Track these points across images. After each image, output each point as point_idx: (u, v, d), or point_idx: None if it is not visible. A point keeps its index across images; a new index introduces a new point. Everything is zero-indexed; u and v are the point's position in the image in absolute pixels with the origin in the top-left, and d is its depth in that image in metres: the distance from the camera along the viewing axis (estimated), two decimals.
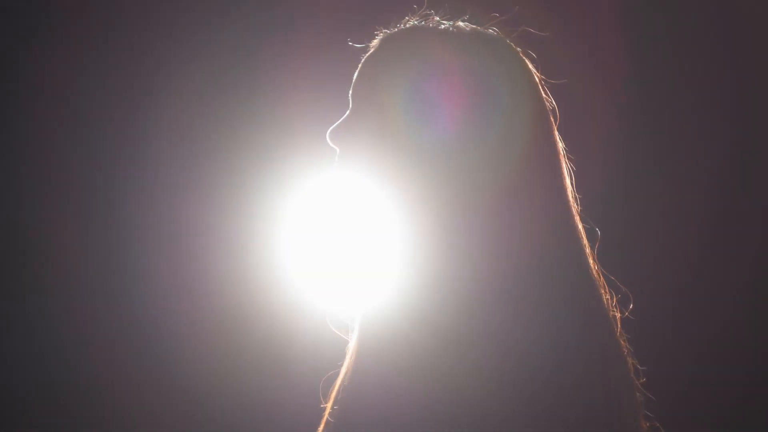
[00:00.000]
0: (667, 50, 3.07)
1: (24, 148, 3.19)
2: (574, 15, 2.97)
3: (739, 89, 3.05)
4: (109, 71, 3.18)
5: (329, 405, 1.47)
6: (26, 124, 3.18)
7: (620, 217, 2.98)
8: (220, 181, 3.18)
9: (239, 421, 3.14)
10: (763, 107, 3.05)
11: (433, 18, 1.56)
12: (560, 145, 1.52)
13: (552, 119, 1.52)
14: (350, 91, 1.56)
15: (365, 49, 1.57)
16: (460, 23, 1.53)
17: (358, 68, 1.56)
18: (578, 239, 1.49)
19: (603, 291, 1.49)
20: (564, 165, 1.51)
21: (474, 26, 1.54)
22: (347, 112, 1.56)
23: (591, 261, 1.49)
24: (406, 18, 1.58)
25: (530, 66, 1.54)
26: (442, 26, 1.53)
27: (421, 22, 1.56)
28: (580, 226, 1.50)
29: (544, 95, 1.53)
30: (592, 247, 1.51)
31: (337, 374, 1.50)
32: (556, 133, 1.52)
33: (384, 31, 1.57)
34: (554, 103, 1.53)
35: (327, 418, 1.47)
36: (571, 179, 1.52)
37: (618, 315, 1.50)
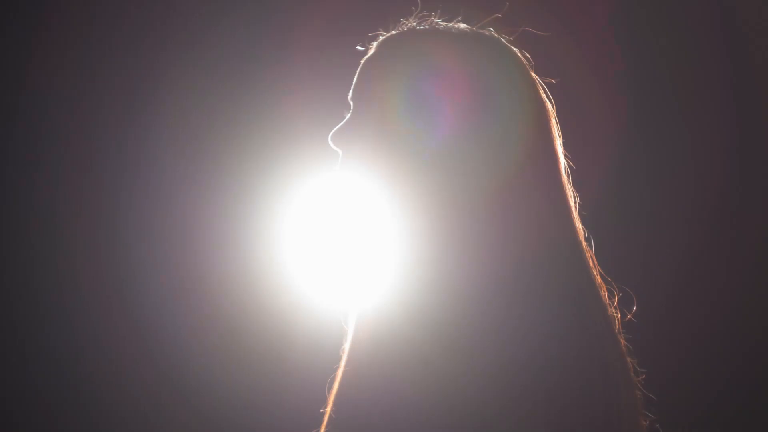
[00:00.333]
0: (664, 49, 3.07)
1: (24, 147, 3.19)
2: (570, 14, 2.98)
3: (736, 89, 3.06)
4: (109, 71, 3.18)
5: (328, 406, 1.47)
6: (26, 124, 3.18)
7: (618, 217, 2.98)
8: (222, 182, 3.18)
9: (239, 421, 3.14)
10: (761, 107, 3.05)
11: (430, 19, 1.56)
12: (559, 144, 1.53)
13: (550, 119, 1.53)
14: (350, 94, 1.57)
15: (365, 52, 1.58)
16: (459, 24, 1.54)
17: (358, 71, 1.57)
18: (577, 239, 1.49)
19: (602, 291, 1.49)
20: (562, 165, 1.52)
21: (471, 27, 1.54)
22: (348, 115, 1.56)
23: (590, 261, 1.50)
24: (404, 20, 1.58)
25: (527, 66, 1.54)
26: (440, 27, 1.54)
27: (419, 23, 1.56)
28: (579, 226, 1.51)
29: (542, 95, 1.53)
30: (589, 249, 1.51)
31: (335, 375, 1.50)
32: (555, 133, 1.53)
33: (382, 33, 1.58)
34: (553, 102, 1.54)
35: (327, 419, 1.47)
36: (569, 178, 1.52)
37: (618, 315, 1.50)
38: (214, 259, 3.17)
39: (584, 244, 1.50)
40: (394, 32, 1.57)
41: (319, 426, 1.48)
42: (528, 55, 1.54)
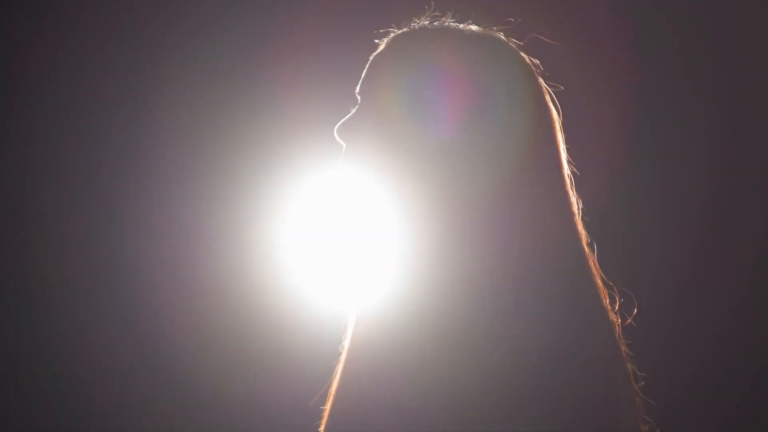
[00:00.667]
0: (672, 57, 3.07)
1: (23, 148, 3.18)
2: (577, 21, 2.98)
3: (743, 101, 3.06)
4: (108, 70, 3.18)
5: (327, 404, 1.47)
6: (26, 124, 3.18)
7: (621, 222, 2.98)
8: (221, 179, 3.18)
9: (239, 420, 3.14)
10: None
11: (443, 20, 1.57)
12: (563, 149, 1.53)
13: (554, 124, 1.53)
14: (358, 88, 1.58)
15: (375, 47, 1.59)
16: (470, 26, 1.55)
17: (367, 66, 1.58)
18: (579, 244, 1.50)
19: (603, 295, 1.49)
20: (565, 169, 1.52)
21: (483, 30, 1.55)
22: (355, 109, 1.57)
23: (592, 266, 1.50)
24: (416, 18, 1.59)
25: (534, 71, 1.55)
26: (451, 28, 1.55)
27: (432, 23, 1.57)
28: (581, 228, 1.51)
29: (548, 100, 1.54)
30: (592, 254, 1.52)
31: (334, 373, 1.50)
32: (560, 138, 1.53)
33: (394, 30, 1.58)
34: (559, 109, 1.54)
35: (326, 418, 1.47)
36: (572, 183, 1.53)
37: (618, 321, 1.50)
38: (214, 256, 3.16)
39: (587, 249, 1.50)
40: (405, 29, 1.58)
41: (319, 422, 1.48)
42: (537, 61, 1.54)
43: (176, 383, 3.13)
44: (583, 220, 1.52)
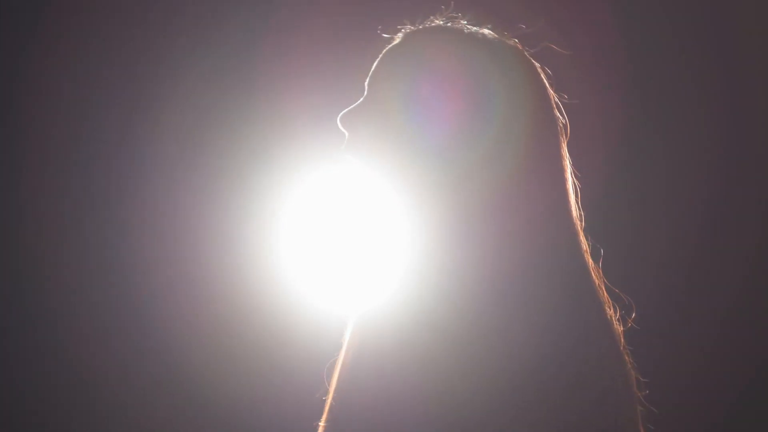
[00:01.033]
0: (672, 57, 3.08)
1: (24, 148, 3.18)
2: (577, 21, 2.98)
3: (744, 104, 3.06)
4: (108, 70, 3.17)
5: (327, 404, 1.47)
6: (26, 124, 3.17)
7: (622, 227, 2.99)
8: (220, 179, 3.17)
9: (239, 420, 3.14)
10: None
11: (458, 21, 1.58)
12: (566, 155, 1.54)
13: (558, 130, 1.54)
14: (367, 79, 1.58)
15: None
16: (485, 30, 1.56)
17: (378, 58, 1.58)
18: (578, 243, 1.51)
19: (604, 299, 1.50)
20: (568, 174, 1.53)
21: (497, 35, 1.56)
22: (361, 99, 1.57)
23: (592, 269, 1.51)
24: (432, 17, 1.59)
25: (543, 78, 1.56)
26: (466, 30, 1.55)
27: (447, 23, 1.58)
28: (580, 230, 1.52)
29: (553, 107, 1.54)
30: (596, 261, 1.52)
31: (334, 365, 1.50)
32: (563, 144, 1.54)
33: (409, 26, 1.59)
34: (566, 117, 1.55)
35: (326, 418, 1.47)
36: (575, 189, 1.54)
37: (621, 329, 1.51)
38: (212, 255, 3.16)
39: (587, 250, 1.51)
40: (420, 27, 1.59)
41: (320, 418, 1.48)
42: (549, 70, 1.55)
43: (175, 383, 3.13)
44: (583, 225, 1.53)
